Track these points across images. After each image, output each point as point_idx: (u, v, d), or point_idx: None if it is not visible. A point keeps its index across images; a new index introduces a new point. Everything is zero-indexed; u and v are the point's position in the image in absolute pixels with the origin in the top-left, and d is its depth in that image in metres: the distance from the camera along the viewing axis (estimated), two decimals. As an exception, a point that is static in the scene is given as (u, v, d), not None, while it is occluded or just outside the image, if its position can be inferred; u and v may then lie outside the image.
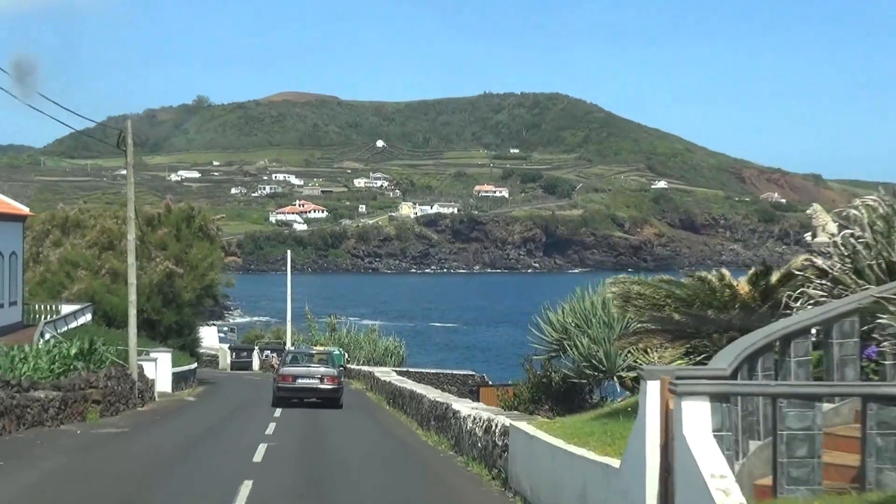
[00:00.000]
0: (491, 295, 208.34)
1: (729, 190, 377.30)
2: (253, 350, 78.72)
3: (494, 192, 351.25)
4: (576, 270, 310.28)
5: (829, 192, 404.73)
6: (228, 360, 77.74)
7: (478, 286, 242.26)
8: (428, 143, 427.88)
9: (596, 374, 26.22)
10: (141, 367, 40.72)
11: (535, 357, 29.50)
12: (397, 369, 51.62)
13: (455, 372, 56.45)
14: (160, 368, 45.06)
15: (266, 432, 28.71)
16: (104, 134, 50.15)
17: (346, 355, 61.80)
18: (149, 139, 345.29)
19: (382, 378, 43.24)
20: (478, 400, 48.85)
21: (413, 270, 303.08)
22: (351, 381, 53.69)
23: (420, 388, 29.10)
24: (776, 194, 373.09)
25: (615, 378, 25.94)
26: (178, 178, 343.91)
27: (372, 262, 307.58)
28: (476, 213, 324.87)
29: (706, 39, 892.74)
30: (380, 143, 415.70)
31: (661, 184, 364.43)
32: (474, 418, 22.36)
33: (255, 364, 75.66)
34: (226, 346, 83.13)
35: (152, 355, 45.32)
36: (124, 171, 42.57)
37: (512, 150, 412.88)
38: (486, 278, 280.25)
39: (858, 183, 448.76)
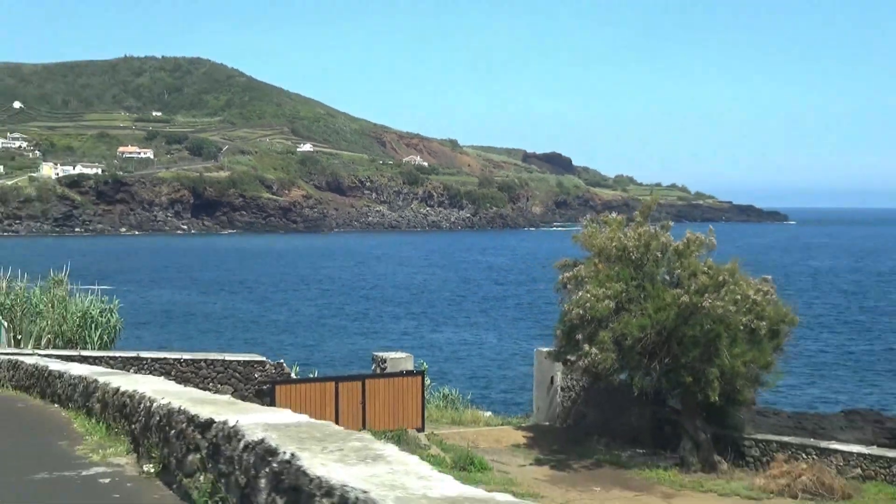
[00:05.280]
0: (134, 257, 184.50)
1: (373, 153, 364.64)
2: None
3: (139, 153, 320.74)
4: (226, 232, 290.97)
5: (465, 156, 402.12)
6: None
7: (126, 248, 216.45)
8: (68, 106, 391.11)
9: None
10: None
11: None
12: (118, 354, 30.03)
13: (228, 357, 29.68)
14: None
15: None
16: None
17: (6, 325, 38.38)
18: None
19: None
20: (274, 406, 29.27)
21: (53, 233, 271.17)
22: (36, 400, 17.00)
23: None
24: (418, 158, 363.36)
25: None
26: None
27: (11, 224, 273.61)
28: (121, 174, 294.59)
29: (344, 18, 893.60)
30: (16, 105, 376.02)
31: (307, 147, 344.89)
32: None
33: None
34: None
35: None
36: None
37: (155, 113, 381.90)
38: (134, 241, 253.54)
39: (490, 149, 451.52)
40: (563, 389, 31.71)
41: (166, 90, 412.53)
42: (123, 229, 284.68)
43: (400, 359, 30.15)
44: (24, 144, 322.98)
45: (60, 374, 15.04)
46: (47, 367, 16.23)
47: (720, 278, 26.16)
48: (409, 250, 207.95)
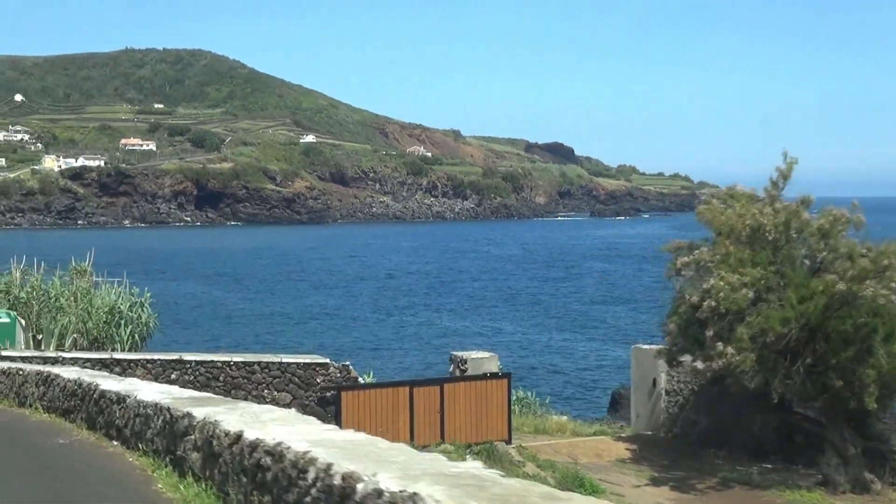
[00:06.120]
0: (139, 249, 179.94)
1: (375, 144, 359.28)
2: None
3: (142, 145, 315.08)
4: (230, 223, 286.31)
5: (468, 147, 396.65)
6: None
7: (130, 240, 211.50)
8: (69, 98, 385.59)
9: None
10: None
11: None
12: (157, 356, 25.20)
13: (286, 359, 25.19)
14: None
15: None
16: None
17: (23, 323, 32.73)
18: None
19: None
20: (338, 418, 24.39)
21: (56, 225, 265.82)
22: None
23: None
24: (421, 148, 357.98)
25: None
26: None
27: (14, 217, 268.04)
28: (124, 166, 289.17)
29: (345, 9, 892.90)
30: (18, 98, 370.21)
31: (310, 138, 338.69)
32: None
33: None
34: None
35: None
36: None
37: (156, 105, 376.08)
38: (137, 233, 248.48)
39: (493, 139, 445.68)
40: (667, 393, 27.15)
41: (168, 82, 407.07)
42: (127, 222, 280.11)
43: (483, 359, 25.57)
44: (27, 137, 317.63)
45: (121, 399, 10.53)
46: (97, 385, 11.68)
47: (885, 262, 21.64)
48: (415, 241, 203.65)
